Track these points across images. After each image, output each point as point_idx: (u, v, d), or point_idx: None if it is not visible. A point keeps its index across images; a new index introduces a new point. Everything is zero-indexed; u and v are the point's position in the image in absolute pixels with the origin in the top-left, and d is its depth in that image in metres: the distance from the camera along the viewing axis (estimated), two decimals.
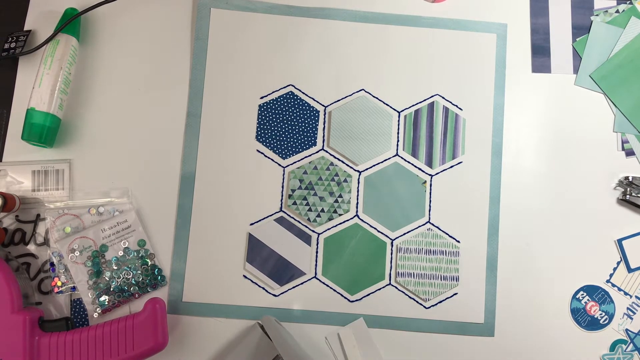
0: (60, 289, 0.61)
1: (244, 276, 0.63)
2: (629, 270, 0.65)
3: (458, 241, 0.64)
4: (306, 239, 0.64)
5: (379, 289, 0.63)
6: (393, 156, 0.66)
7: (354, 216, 0.64)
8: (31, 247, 0.62)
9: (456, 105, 0.67)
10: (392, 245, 0.64)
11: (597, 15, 0.69)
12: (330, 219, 0.64)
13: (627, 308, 0.64)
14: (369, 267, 0.64)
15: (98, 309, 0.60)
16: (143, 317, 0.57)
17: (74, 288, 0.61)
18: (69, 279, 0.61)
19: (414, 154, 0.66)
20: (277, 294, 0.63)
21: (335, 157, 0.65)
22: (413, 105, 0.67)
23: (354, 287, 0.63)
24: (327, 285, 0.63)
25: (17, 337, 0.55)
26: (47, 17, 0.65)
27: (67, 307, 0.61)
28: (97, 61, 0.65)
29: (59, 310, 0.61)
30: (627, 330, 0.64)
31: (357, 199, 0.65)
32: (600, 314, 0.64)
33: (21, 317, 0.56)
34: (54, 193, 0.62)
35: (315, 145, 0.65)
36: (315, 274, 0.63)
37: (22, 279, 0.60)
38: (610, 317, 0.64)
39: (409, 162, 0.66)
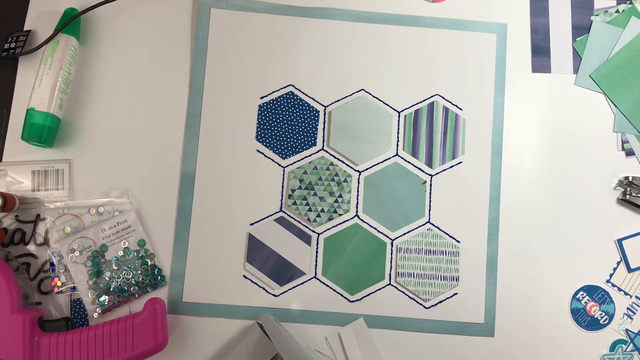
0: (60, 289, 0.61)
1: (244, 276, 0.63)
2: (629, 270, 0.65)
3: (458, 241, 0.64)
4: (306, 239, 0.64)
5: (379, 289, 0.63)
6: (393, 156, 0.66)
7: (354, 216, 0.64)
8: (31, 247, 0.62)
9: (456, 105, 0.67)
10: (392, 245, 0.64)
11: (597, 15, 0.69)
12: (330, 219, 0.64)
13: (627, 308, 0.64)
14: (369, 267, 0.64)
15: (98, 309, 0.60)
16: (143, 317, 0.57)
17: (74, 288, 0.61)
18: (69, 279, 0.61)
19: (414, 154, 0.66)
20: (277, 294, 0.63)
21: (335, 157, 0.65)
22: (413, 105, 0.67)
23: (353, 287, 0.63)
24: (327, 285, 0.63)
25: (17, 337, 0.55)
26: (47, 17, 0.65)
27: (67, 307, 0.61)
28: (97, 61, 0.65)
29: (59, 310, 0.61)
30: (627, 330, 0.64)
31: (357, 199, 0.65)
32: (600, 314, 0.64)
33: (21, 317, 0.56)
34: (54, 193, 0.62)
35: (315, 145, 0.65)
36: (315, 274, 0.63)
37: (22, 279, 0.60)
38: (610, 317, 0.64)
39: (409, 162, 0.66)
